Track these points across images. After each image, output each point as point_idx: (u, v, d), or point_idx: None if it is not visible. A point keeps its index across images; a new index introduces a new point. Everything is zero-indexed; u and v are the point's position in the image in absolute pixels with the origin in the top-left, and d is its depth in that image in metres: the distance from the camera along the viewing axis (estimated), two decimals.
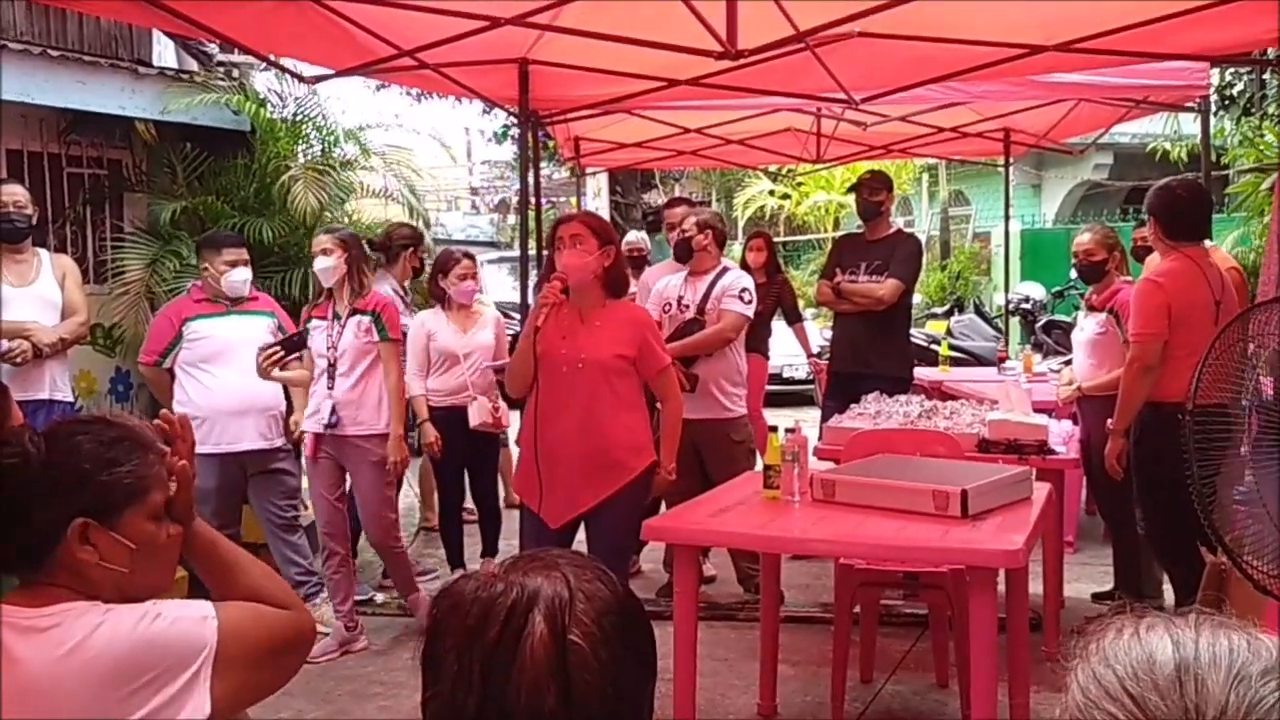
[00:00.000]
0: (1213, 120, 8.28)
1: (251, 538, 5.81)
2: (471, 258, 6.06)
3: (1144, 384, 4.58)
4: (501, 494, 6.60)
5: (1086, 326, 5.63)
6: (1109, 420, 4.79)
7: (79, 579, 1.77)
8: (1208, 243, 5.69)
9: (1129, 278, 5.47)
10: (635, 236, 8.30)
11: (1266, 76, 10.22)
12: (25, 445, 1.77)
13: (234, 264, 5.36)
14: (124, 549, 1.79)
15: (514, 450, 4.99)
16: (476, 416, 5.76)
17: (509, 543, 5.94)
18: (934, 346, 9.95)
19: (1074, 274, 6.30)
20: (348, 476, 5.32)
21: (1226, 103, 10.69)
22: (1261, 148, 9.11)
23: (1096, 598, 5.61)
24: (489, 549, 6.20)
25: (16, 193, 5.13)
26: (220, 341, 5.33)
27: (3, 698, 1.66)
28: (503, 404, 5.87)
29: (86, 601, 1.75)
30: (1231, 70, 10.42)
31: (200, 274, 5.46)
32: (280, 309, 5.75)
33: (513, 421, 6.06)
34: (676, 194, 19.52)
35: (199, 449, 5.57)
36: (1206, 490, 3.16)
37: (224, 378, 5.29)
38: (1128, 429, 4.71)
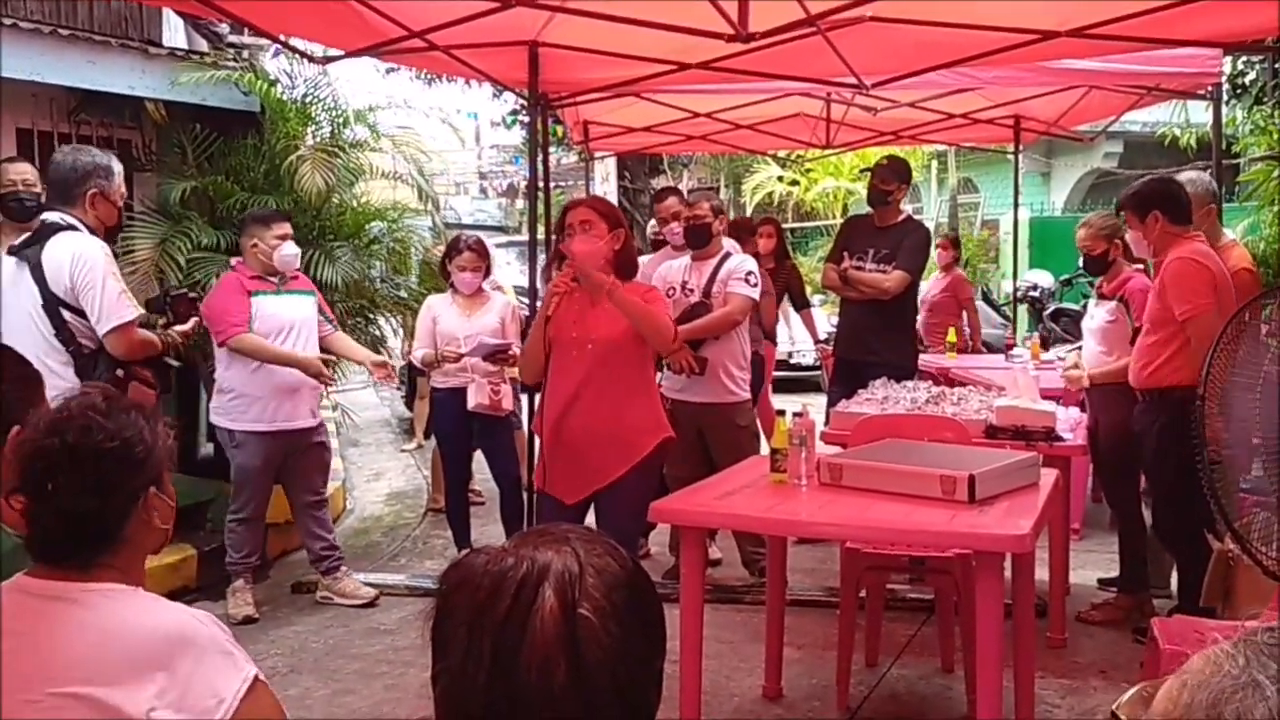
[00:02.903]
0: (1224, 109, 8.23)
1: (278, 517, 5.85)
2: (479, 250, 6.05)
3: None
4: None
5: (1097, 314, 5.61)
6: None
7: (131, 553, 1.84)
8: (1229, 234, 5.69)
9: (1140, 265, 5.44)
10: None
11: (1279, 65, 10.18)
12: (106, 425, 1.81)
13: (284, 238, 5.43)
14: (169, 508, 1.90)
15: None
16: (474, 398, 5.81)
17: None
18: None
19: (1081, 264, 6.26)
20: None
21: (1239, 91, 10.64)
22: (1274, 135, 9.07)
23: (1103, 584, 5.61)
24: (511, 530, 6.22)
25: (25, 171, 5.11)
26: (280, 320, 5.40)
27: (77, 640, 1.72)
28: (504, 387, 5.90)
29: (130, 586, 1.81)
30: (1244, 59, 10.37)
31: (248, 250, 5.47)
32: (315, 288, 5.82)
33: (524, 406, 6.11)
34: (685, 180, 19.51)
35: (253, 427, 5.62)
36: (1216, 476, 3.16)
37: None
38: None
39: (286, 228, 5.49)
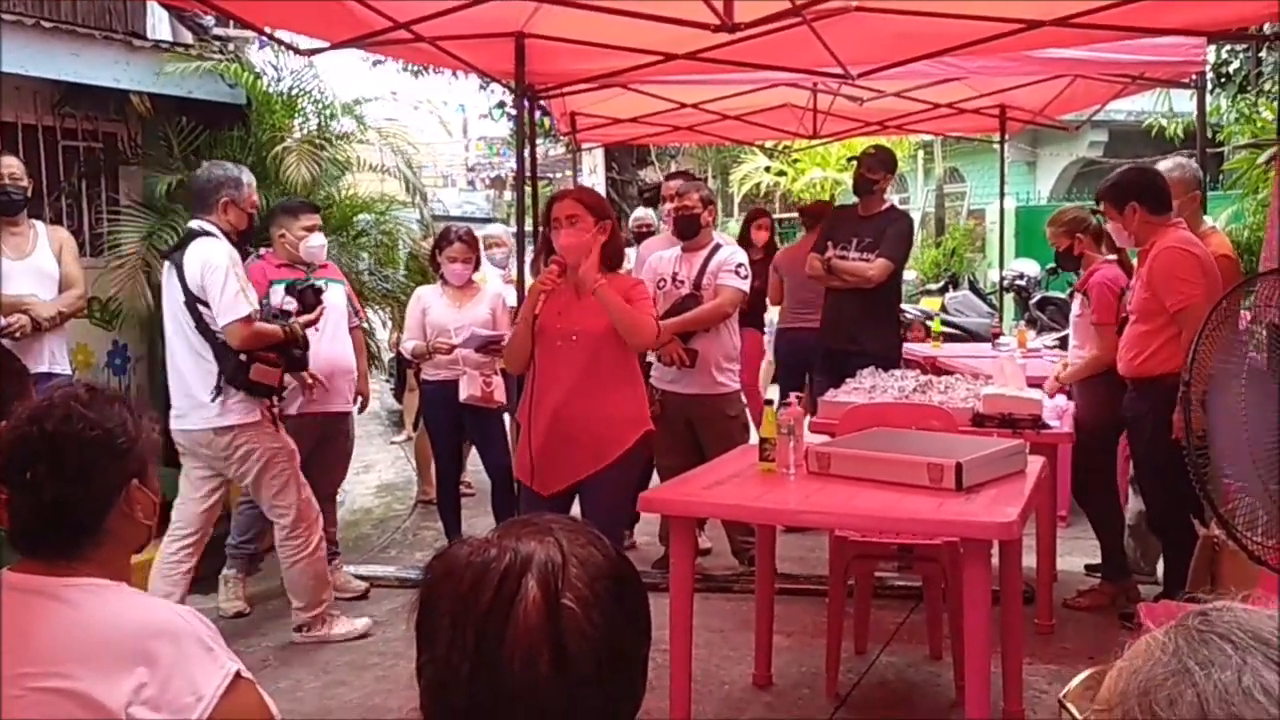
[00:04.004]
0: (1208, 97, 8.24)
1: None
2: (470, 241, 6.04)
3: None
4: None
5: (1073, 308, 5.65)
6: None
7: (113, 547, 1.83)
8: (1208, 220, 5.69)
9: (1111, 256, 5.42)
10: (642, 212, 8.34)
11: (1263, 54, 10.20)
12: (87, 414, 1.80)
13: (311, 229, 5.49)
14: (152, 503, 1.89)
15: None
16: (466, 389, 5.81)
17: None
18: (928, 323, 9.95)
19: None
20: None
21: (1223, 80, 10.66)
22: (1258, 123, 9.10)
23: (1090, 570, 5.63)
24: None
25: (11, 165, 5.11)
26: None
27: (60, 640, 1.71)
28: (496, 379, 5.89)
29: (113, 581, 1.80)
30: (1228, 48, 10.39)
31: (275, 240, 5.51)
32: (345, 277, 5.85)
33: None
34: (673, 170, 19.48)
35: (290, 411, 5.92)
36: (1202, 461, 3.18)
37: (314, 342, 5.34)
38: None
39: (315, 219, 5.57)
